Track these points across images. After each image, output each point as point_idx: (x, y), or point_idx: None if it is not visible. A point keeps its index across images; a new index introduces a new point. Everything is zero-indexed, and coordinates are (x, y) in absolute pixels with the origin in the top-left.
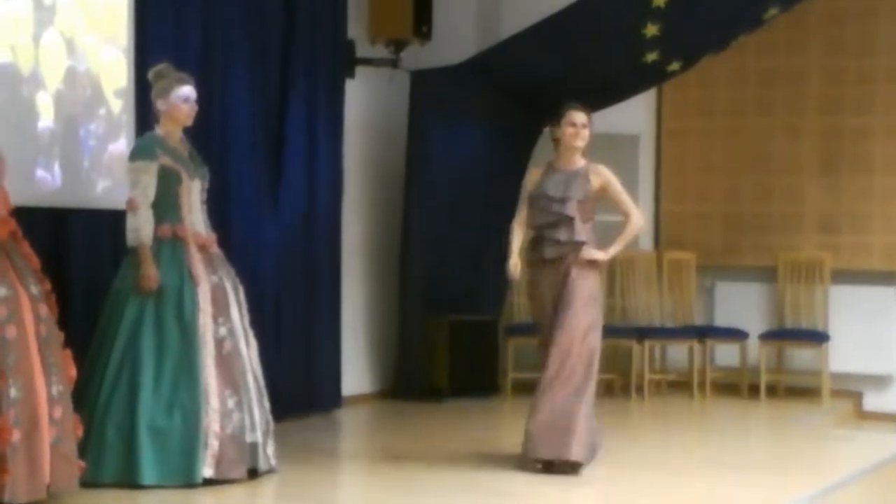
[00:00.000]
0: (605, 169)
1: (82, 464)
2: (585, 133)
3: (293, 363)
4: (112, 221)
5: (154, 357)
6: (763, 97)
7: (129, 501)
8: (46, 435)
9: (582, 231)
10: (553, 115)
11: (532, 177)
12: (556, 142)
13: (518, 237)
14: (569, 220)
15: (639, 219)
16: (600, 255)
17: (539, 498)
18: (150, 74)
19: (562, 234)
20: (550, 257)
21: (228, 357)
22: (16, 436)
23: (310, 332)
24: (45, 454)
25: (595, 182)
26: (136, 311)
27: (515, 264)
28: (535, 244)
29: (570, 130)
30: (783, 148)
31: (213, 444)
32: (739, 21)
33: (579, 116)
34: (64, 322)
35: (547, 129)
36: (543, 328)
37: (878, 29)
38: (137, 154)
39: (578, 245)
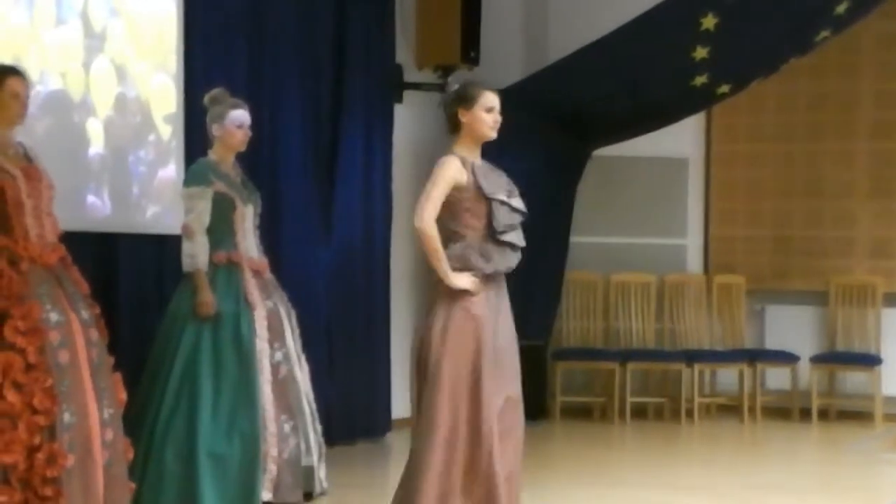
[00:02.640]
0: None
1: (132, 485)
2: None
3: (344, 387)
4: (161, 246)
5: (212, 383)
6: (813, 121)
7: None
8: (100, 458)
9: None
10: (466, 100)
11: (454, 169)
12: (458, 128)
13: None
14: (521, 223)
15: None
16: None
17: None
18: (206, 99)
19: (520, 241)
20: (510, 269)
21: (284, 382)
22: (70, 460)
23: (360, 356)
24: (99, 477)
25: None
26: (193, 337)
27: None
28: (492, 253)
29: (489, 117)
30: (834, 172)
31: (272, 468)
32: (789, 44)
33: (496, 100)
34: (113, 346)
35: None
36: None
37: None
38: (192, 180)
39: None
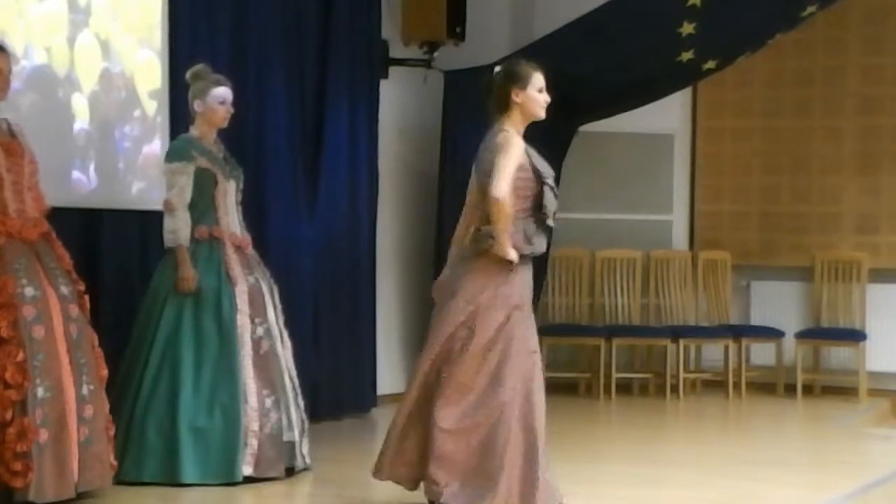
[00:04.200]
0: None
1: (115, 462)
2: None
3: (329, 363)
4: (145, 222)
5: (193, 358)
6: (800, 97)
7: (171, 499)
8: (75, 434)
9: None
10: (520, 79)
11: (522, 148)
12: (509, 107)
13: None
14: None
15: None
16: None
17: (572, 498)
18: (188, 75)
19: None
20: (542, 253)
21: (265, 357)
22: (43, 435)
23: (345, 332)
24: (74, 454)
25: None
26: (174, 313)
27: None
28: (532, 236)
29: (541, 97)
30: (820, 148)
31: (253, 443)
32: (776, 19)
33: (544, 80)
34: (97, 322)
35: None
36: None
37: None
38: (173, 155)
39: None
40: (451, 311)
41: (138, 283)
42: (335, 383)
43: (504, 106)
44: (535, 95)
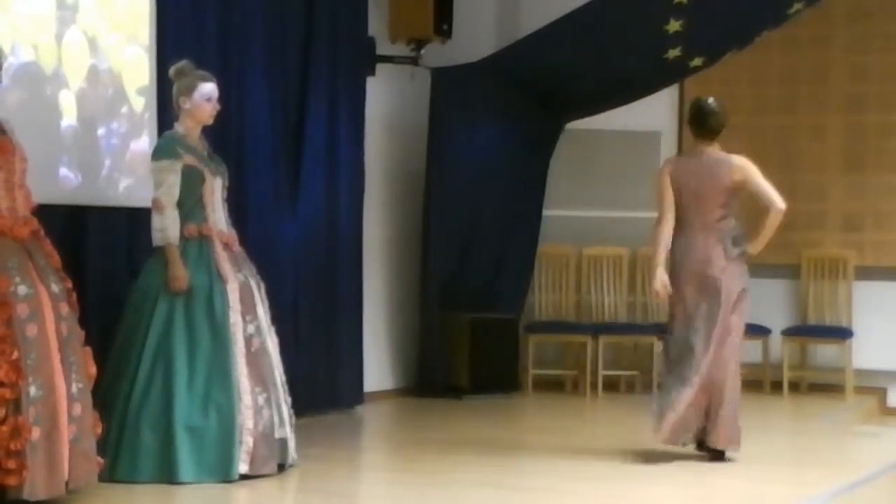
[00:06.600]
0: None
1: (100, 460)
2: None
3: (315, 360)
4: (132, 220)
5: (187, 357)
6: (786, 95)
7: (167, 497)
8: (66, 433)
9: None
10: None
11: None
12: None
13: None
14: None
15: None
16: None
17: (555, 494)
18: (171, 72)
19: None
20: None
21: (257, 354)
22: (35, 434)
23: (332, 329)
24: (65, 452)
25: None
26: (165, 311)
27: None
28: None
29: None
30: (806, 146)
31: (248, 441)
32: (762, 17)
33: None
34: (83, 320)
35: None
36: None
37: None
38: (160, 153)
39: None
40: None
41: (124, 280)
42: (321, 380)
43: (719, 130)
44: None
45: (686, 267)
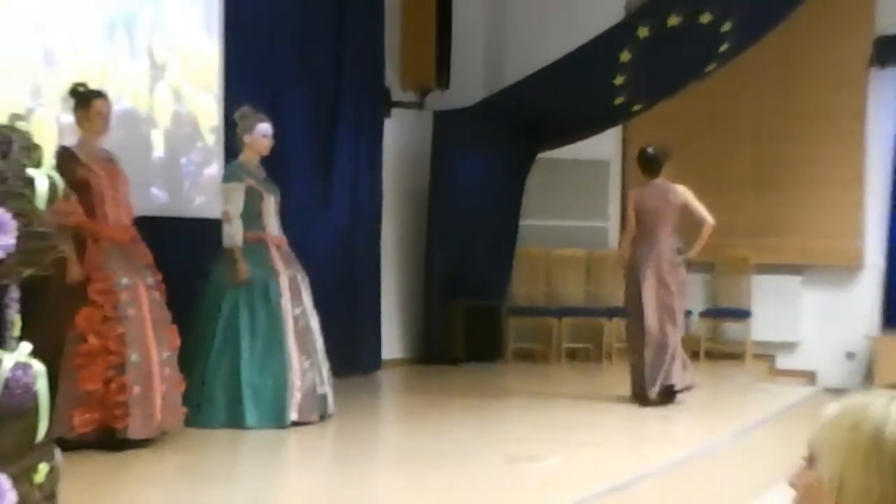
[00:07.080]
0: None
1: (185, 410)
2: None
3: (343, 335)
4: (204, 229)
5: (249, 333)
6: (706, 130)
7: (237, 438)
8: (158, 390)
9: None
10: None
11: None
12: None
13: None
14: None
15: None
16: None
17: (527, 426)
18: (236, 115)
19: None
20: None
21: (303, 331)
22: (135, 390)
23: (356, 310)
24: (158, 403)
25: None
26: (232, 299)
27: None
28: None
29: None
30: (722, 170)
31: (297, 395)
32: (687, 73)
33: None
34: (169, 304)
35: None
36: None
37: (790, 77)
38: (229, 177)
39: None
40: None
41: (200, 274)
42: (347, 350)
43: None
44: None
45: (646, 265)
